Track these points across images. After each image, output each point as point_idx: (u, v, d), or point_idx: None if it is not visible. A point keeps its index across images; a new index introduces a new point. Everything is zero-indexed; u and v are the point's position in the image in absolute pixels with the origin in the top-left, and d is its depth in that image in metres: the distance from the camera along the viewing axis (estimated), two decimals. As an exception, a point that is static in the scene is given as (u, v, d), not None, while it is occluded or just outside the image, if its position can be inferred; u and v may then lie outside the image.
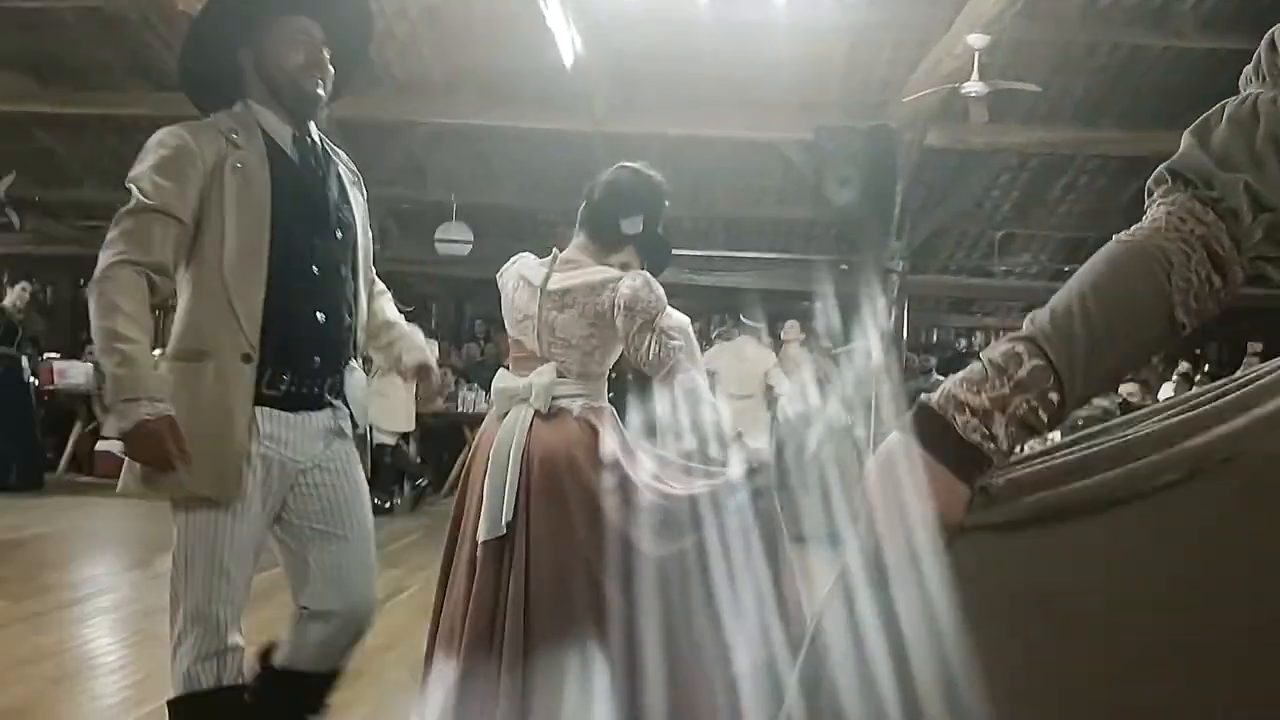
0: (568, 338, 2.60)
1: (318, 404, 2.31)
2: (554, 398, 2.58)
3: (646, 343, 2.53)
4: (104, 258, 2.14)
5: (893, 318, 9.81)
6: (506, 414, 2.61)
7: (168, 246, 2.15)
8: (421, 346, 2.61)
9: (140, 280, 2.12)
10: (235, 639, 2.26)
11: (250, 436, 2.19)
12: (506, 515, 2.47)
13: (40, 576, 5.43)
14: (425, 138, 10.19)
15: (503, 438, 2.56)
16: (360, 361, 2.48)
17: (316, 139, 2.37)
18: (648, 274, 2.64)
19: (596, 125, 9.12)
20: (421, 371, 2.57)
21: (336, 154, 2.44)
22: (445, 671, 2.45)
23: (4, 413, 8.51)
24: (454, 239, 11.54)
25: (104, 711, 3.49)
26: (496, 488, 2.50)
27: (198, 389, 2.16)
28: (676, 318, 3.17)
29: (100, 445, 9.84)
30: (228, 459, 2.16)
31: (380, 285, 2.64)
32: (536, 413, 2.57)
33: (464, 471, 2.71)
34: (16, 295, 9.13)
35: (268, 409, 2.23)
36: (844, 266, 10.21)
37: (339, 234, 2.34)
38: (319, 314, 2.28)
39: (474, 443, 2.75)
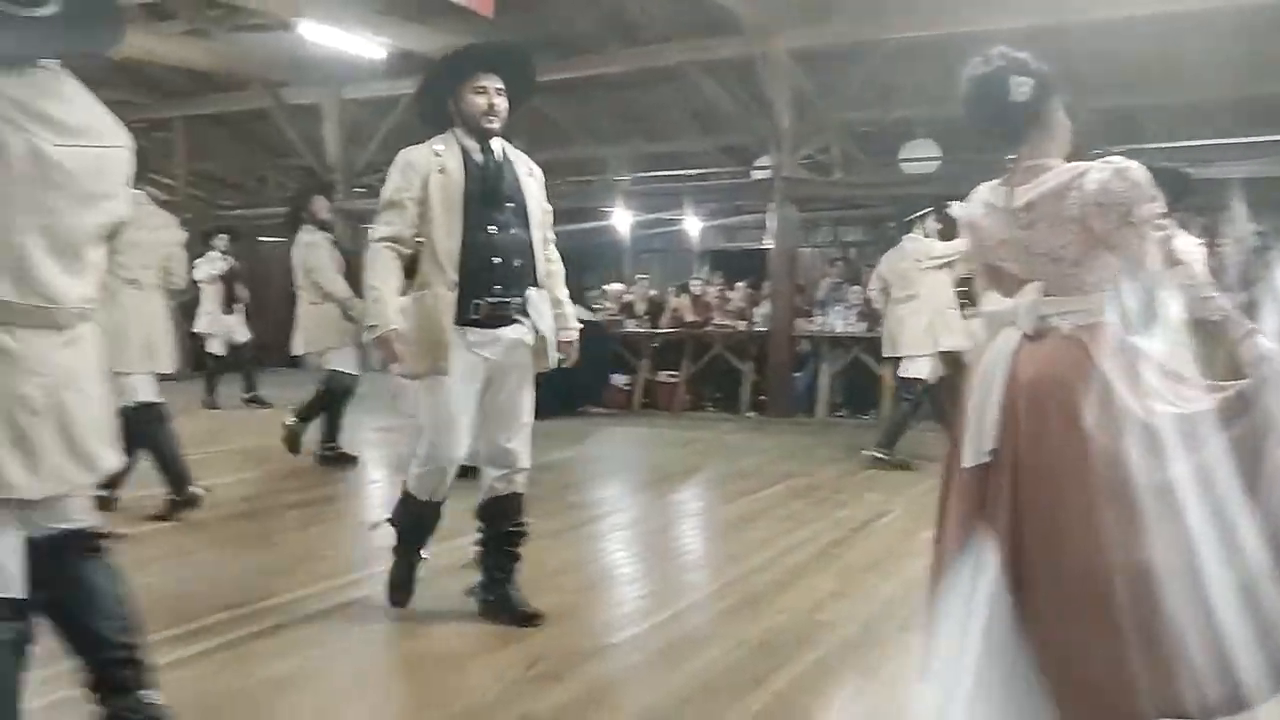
0: (1046, 252, 2.41)
1: (507, 321, 3.54)
2: (1041, 317, 2.43)
3: (1129, 240, 2.28)
4: (371, 235, 3.53)
5: None
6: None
7: (404, 223, 3.48)
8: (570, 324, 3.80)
9: (389, 250, 3.48)
10: (449, 469, 3.57)
11: (455, 336, 3.46)
12: (989, 442, 2.37)
13: (565, 496, 6.14)
14: (889, 56, 9.95)
15: (988, 362, 2.45)
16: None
17: (497, 149, 3.61)
18: (1120, 160, 2.32)
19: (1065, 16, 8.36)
20: (563, 346, 3.73)
21: (514, 156, 3.67)
22: (949, 594, 2.39)
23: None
24: (919, 157, 11.23)
25: (624, 618, 3.87)
26: (979, 414, 2.41)
27: (423, 307, 3.48)
28: None
29: (611, 380, 10.88)
30: (439, 348, 3.45)
31: (554, 254, 3.80)
32: (1024, 335, 2.44)
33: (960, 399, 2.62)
34: None
35: (473, 327, 3.49)
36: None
37: (510, 204, 3.58)
38: (495, 259, 3.50)
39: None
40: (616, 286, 12.57)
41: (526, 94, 3.76)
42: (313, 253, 6.93)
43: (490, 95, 3.53)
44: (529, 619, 3.61)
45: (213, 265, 10.19)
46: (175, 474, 5.23)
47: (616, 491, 6.75)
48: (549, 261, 3.74)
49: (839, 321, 10.33)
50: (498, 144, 3.61)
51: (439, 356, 3.45)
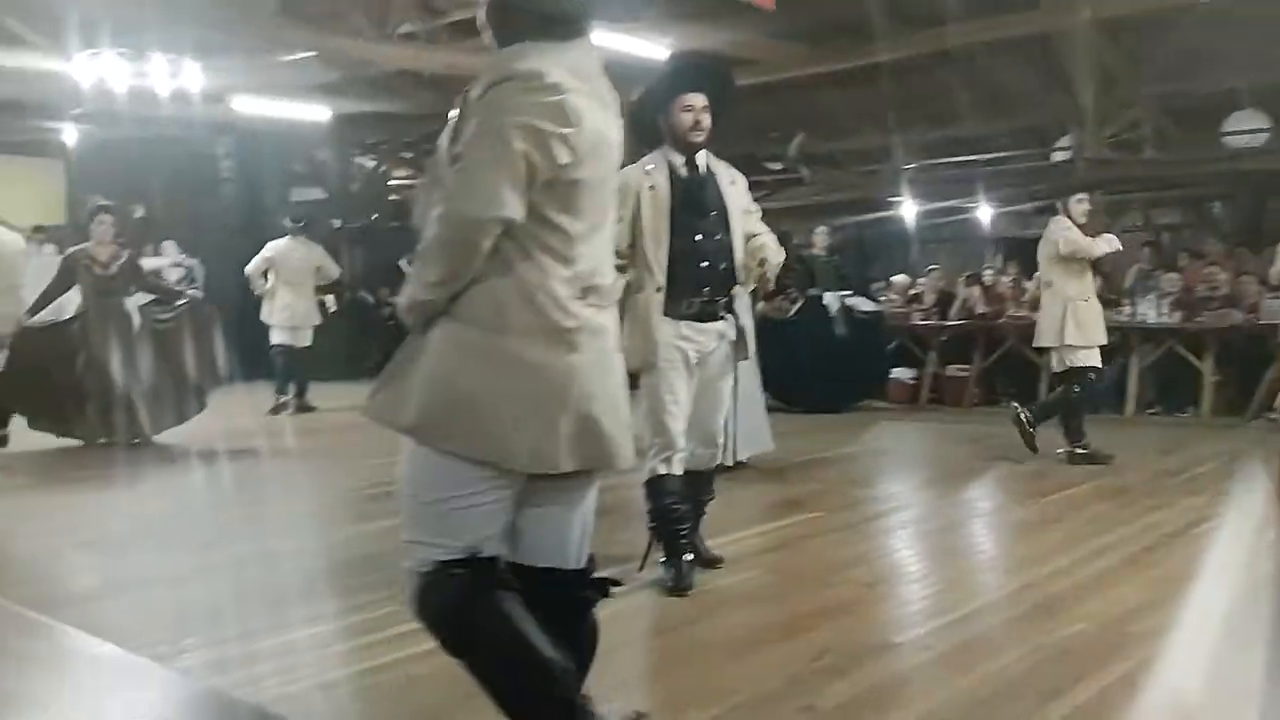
0: None
1: (714, 317, 3.96)
2: None
3: None
4: None
5: None
6: None
7: (621, 234, 3.72)
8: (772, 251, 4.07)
9: None
10: (679, 447, 3.94)
11: (667, 331, 3.86)
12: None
13: (850, 491, 6.05)
14: (1204, 20, 9.10)
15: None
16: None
17: (701, 162, 4.01)
18: None
19: None
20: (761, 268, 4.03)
21: (717, 167, 4.05)
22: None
23: (815, 345, 9.60)
24: (1245, 129, 10.19)
25: (910, 616, 3.77)
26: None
27: (637, 308, 3.85)
28: None
29: (892, 373, 10.63)
30: (650, 343, 3.85)
31: (762, 228, 4.14)
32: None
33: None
34: (818, 239, 10.11)
35: (685, 321, 3.88)
36: None
37: (713, 214, 3.97)
38: (702, 263, 3.91)
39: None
40: (901, 278, 12.25)
41: (729, 108, 4.16)
42: None
43: (696, 112, 3.92)
44: (713, 563, 4.21)
45: None
46: None
47: (903, 487, 6.58)
48: (754, 236, 4.10)
49: (1150, 311, 9.55)
50: (702, 157, 4.03)
51: (650, 351, 3.87)
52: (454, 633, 2.13)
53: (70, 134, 13.47)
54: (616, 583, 2.28)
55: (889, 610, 3.89)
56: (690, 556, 4.02)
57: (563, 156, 1.99)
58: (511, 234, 2.01)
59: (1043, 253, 6.94)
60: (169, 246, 12.09)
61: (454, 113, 2.11)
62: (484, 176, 1.98)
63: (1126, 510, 5.38)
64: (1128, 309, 9.80)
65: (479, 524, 2.07)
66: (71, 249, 7.97)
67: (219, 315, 8.38)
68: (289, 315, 9.59)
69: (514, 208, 1.98)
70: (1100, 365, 6.94)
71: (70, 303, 7.72)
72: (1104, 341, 6.88)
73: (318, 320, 9.85)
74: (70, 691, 0.73)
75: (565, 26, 2.11)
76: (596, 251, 2.13)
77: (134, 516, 5.54)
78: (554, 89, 1.99)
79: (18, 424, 7.61)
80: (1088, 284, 6.78)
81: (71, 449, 7.48)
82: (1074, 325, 6.70)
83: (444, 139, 2.10)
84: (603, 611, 2.29)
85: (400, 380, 2.10)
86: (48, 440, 7.59)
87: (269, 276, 9.63)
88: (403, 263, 11.88)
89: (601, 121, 2.09)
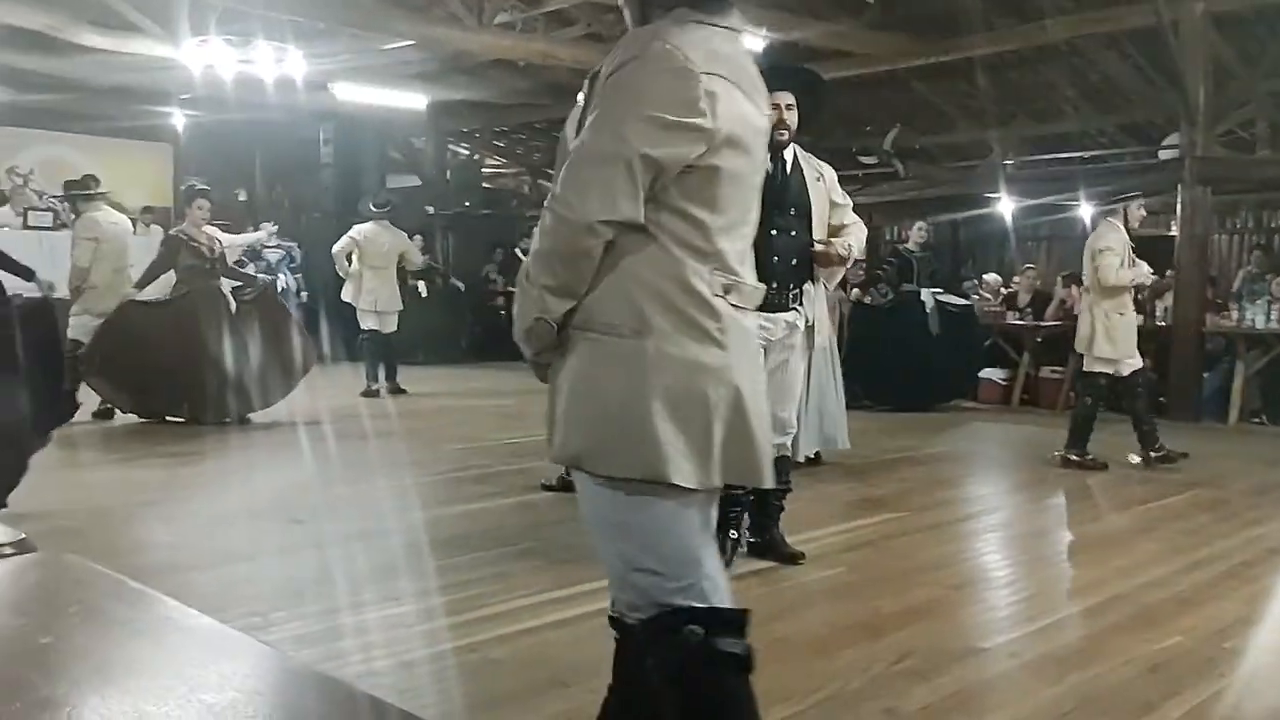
0: None
1: (785, 308, 4.03)
2: None
3: None
4: None
5: None
6: None
7: None
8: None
9: None
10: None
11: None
12: None
13: (936, 491, 5.95)
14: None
15: None
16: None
17: (787, 157, 4.12)
18: None
19: None
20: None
21: (804, 161, 4.17)
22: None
23: (908, 343, 9.48)
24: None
25: (997, 621, 3.69)
26: None
27: None
28: None
29: (981, 373, 10.42)
30: None
31: (853, 219, 4.34)
32: None
33: None
34: (915, 235, 9.95)
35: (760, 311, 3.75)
36: None
37: (792, 211, 4.07)
38: (774, 258, 3.91)
39: None
40: (994, 277, 11.98)
41: (818, 107, 4.25)
42: None
43: (781, 111, 3.99)
44: (793, 558, 4.25)
45: None
46: None
47: (992, 489, 6.45)
48: (842, 227, 4.28)
49: (1259, 316, 9.19)
50: (789, 152, 4.11)
51: None
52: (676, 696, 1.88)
53: (179, 119, 13.92)
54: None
55: (974, 614, 3.82)
56: (734, 534, 4.18)
57: (693, 148, 1.78)
58: (641, 229, 1.81)
59: (1086, 255, 6.82)
60: (266, 227, 12.41)
61: (581, 95, 1.91)
62: (593, 175, 1.77)
63: (1226, 523, 5.20)
64: (1234, 314, 9.46)
65: (680, 556, 1.84)
66: (172, 230, 8.22)
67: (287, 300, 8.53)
68: (373, 300, 9.73)
69: (626, 209, 1.77)
70: (1141, 367, 6.80)
71: (169, 283, 7.97)
72: (1133, 354, 6.72)
73: (400, 306, 9.98)
74: (166, 659, 0.76)
75: (707, 2, 1.88)
76: (738, 249, 1.91)
77: (227, 492, 5.71)
78: (685, 72, 1.76)
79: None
80: (1124, 298, 6.67)
81: (166, 425, 7.73)
82: (1104, 337, 6.61)
83: (569, 126, 1.91)
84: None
85: (553, 412, 1.90)
86: (144, 414, 7.85)
87: (353, 260, 9.80)
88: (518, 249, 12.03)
89: (745, 108, 1.85)
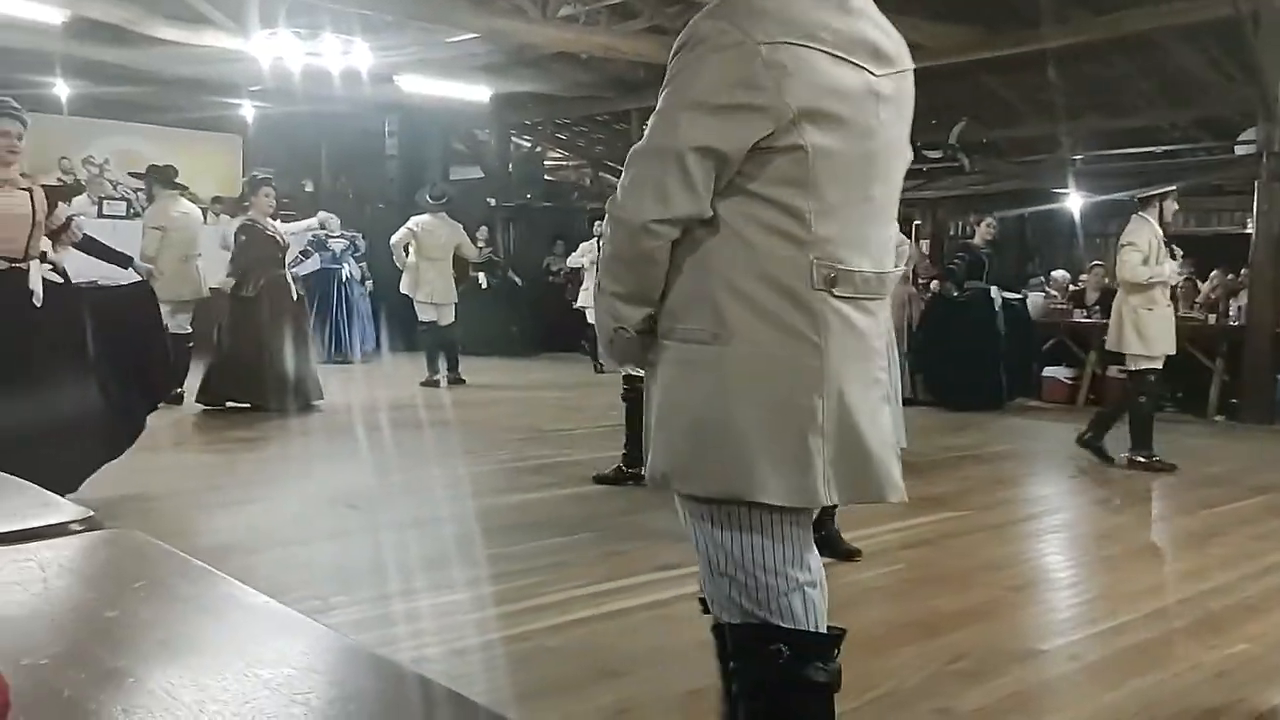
0: None
1: None
2: None
3: None
4: None
5: None
6: None
7: None
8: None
9: None
10: None
11: None
12: None
13: (996, 491, 5.86)
14: None
15: None
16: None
17: None
18: None
19: None
20: None
21: None
22: None
23: (977, 340, 9.36)
24: None
25: (1057, 624, 3.63)
26: None
27: None
28: None
29: (1046, 371, 10.25)
30: None
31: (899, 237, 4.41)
32: None
33: None
34: (983, 231, 9.77)
35: None
36: None
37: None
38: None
39: None
40: (1062, 274, 11.75)
41: None
42: None
43: None
44: (849, 555, 4.13)
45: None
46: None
47: (1055, 490, 6.34)
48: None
49: (1341, 317, 8.92)
50: None
51: None
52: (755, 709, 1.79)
53: (248, 110, 14.17)
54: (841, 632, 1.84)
55: (1034, 616, 3.76)
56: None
57: (755, 130, 1.60)
58: (716, 223, 1.65)
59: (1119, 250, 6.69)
60: (331, 219, 12.56)
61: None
62: (646, 172, 1.64)
63: (1300, 528, 5.06)
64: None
65: (772, 576, 1.71)
66: (243, 219, 8.39)
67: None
68: (430, 292, 9.79)
69: (684, 206, 1.62)
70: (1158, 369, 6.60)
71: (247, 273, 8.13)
72: (1170, 351, 6.55)
73: (455, 298, 10.04)
74: (227, 635, 0.78)
75: None
76: (848, 233, 1.67)
77: (288, 479, 5.81)
78: (738, 47, 1.58)
79: (190, 386, 8.08)
80: (1153, 293, 6.49)
81: (237, 411, 7.88)
82: (1134, 333, 6.46)
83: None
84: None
85: (652, 429, 1.77)
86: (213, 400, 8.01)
87: (409, 251, 9.89)
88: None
89: (835, 75, 1.64)
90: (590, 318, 11.74)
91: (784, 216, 1.64)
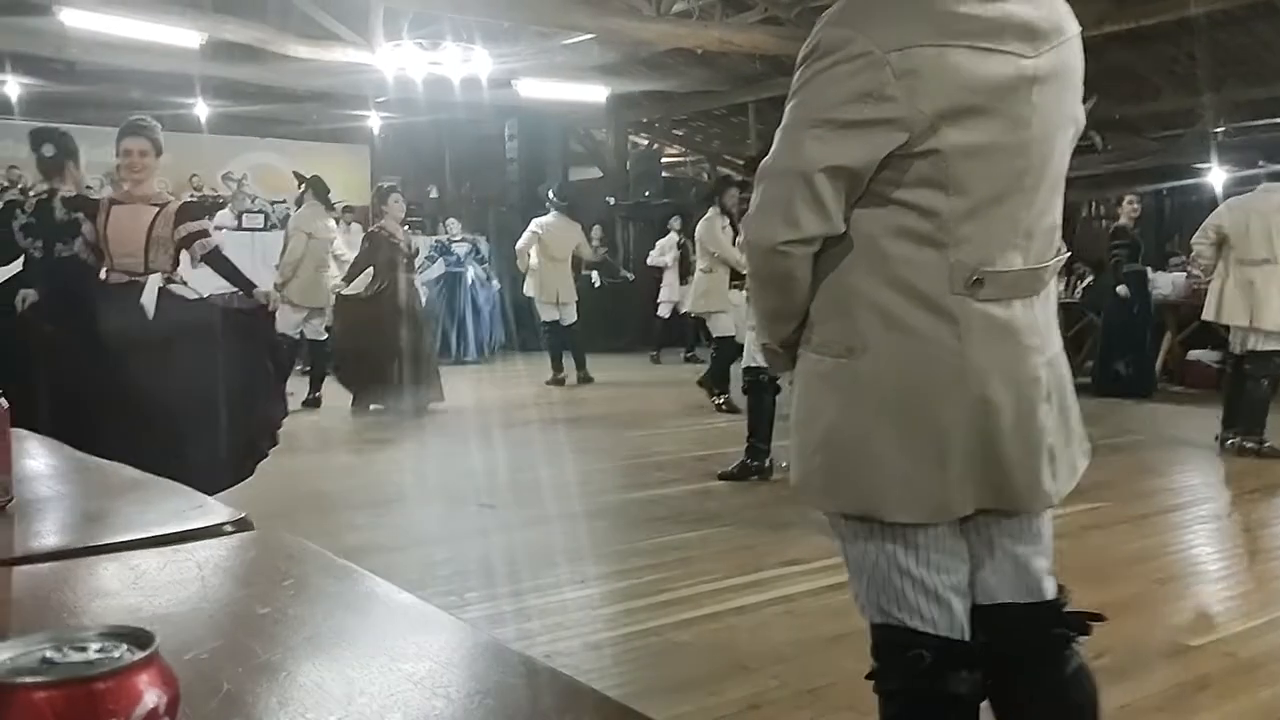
0: None
1: None
2: None
3: None
4: None
5: None
6: None
7: None
8: None
9: None
10: None
11: None
12: None
13: (1140, 480, 5.64)
14: None
15: None
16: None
17: None
18: None
19: None
20: None
21: None
22: None
23: (1131, 325, 9.05)
24: None
25: (1207, 618, 3.48)
26: None
27: None
28: None
29: (1191, 354, 9.80)
30: None
31: None
32: None
33: None
34: (1128, 210, 9.35)
35: None
36: None
37: None
38: None
39: None
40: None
41: None
42: (706, 227, 7.91)
43: None
44: None
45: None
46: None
47: (1203, 479, 6.05)
48: None
49: None
50: None
51: None
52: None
53: (374, 121, 14.61)
54: (1098, 617, 1.75)
55: (1182, 610, 3.61)
56: None
57: (887, 142, 1.53)
58: (848, 231, 1.60)
59: (1259, 225, 6.30)
60: (454, 224, 12.85)
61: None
62: (774, 193, 1.59)
63: None
64: None
65: (914, 588, 1.66)
66: (373, 227, 8.66)
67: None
68: (553, 293, 9.94)
69: (814, 226, 1.57)
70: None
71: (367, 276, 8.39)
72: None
73: (576, 296, 10.14)
74: (370, 631, 0.81)
75: None
76: (995, 230, 1.59)
77: (423, 478, 5.98)
78: (865, 58, 1.50)
79: (326, 388, 8.38)
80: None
81: (373, 413, 8.14)
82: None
83: None
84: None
85: (792, 440, 1.75)
86: (346, 405, 8.28)
87: (532, 254, 10.03)
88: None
89: (975, 67, 1.53)
90: (664, 312, 11.98)
91: (921, 220, 1.57)
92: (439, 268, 12.00)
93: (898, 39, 1.50)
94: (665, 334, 12.47)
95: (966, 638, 1.69)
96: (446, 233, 12.66)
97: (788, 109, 1.61)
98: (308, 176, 8.88)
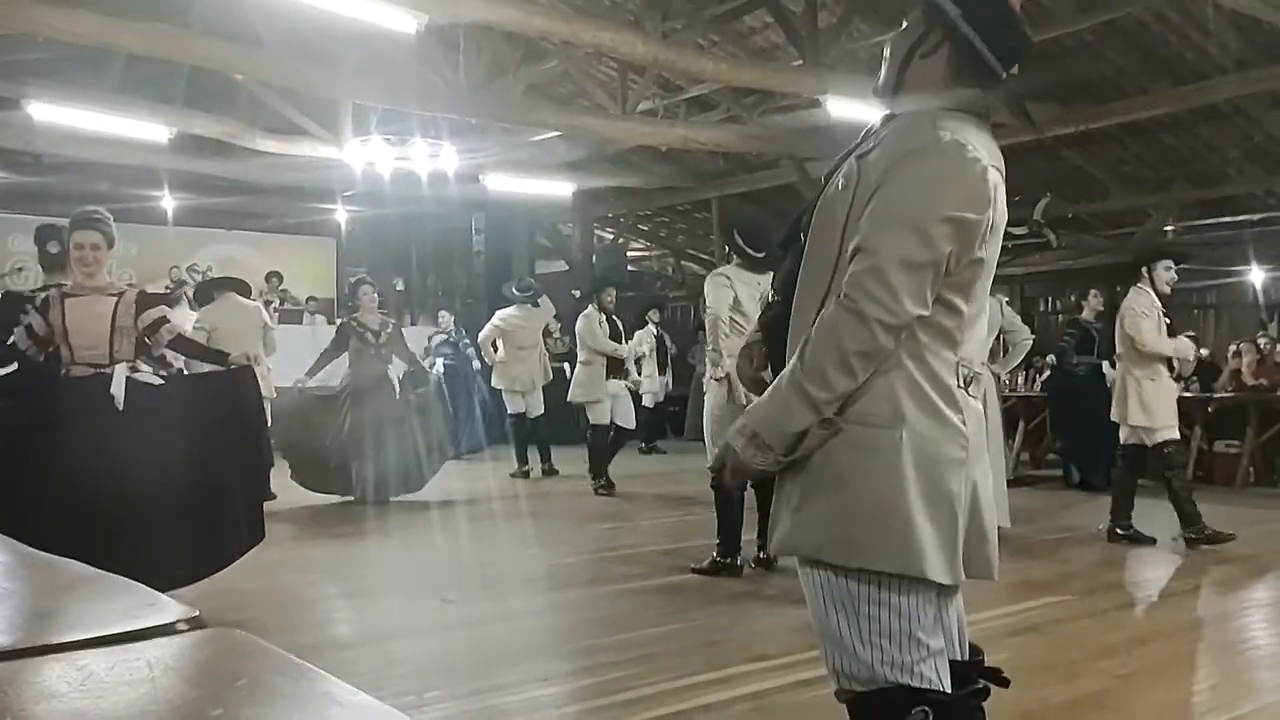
0: None
1: None
2: None
3: None
4: None
5: None
6: None
7: None
8: None
9: None
10: None
11: None
12: None
13: (1105, 574, 5.64)
14: None
15: None
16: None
17: None
18: None
19: None
20: None
21: None
22: None
23: (1091, 417, 9.15)
24: None
25: (1172, 714, 3.45)
26: None
27: None
28: None
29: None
30: None
31: None
32: None
33: None
34: (1092, 304, 9.54)
35: None
36: None
37: None
38: None
39: None
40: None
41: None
42: (585, 323, 8.91)
43: None
44: None
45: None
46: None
47: (1164, 572, 6.06)
48: None
49: None
50: None
51: None
52: None
53: (341, 214, 14.70)
54: (1003, 677, 2.07)
55: (1147, 707, 3.57)
56: None
57: (981, 245, 1.79)
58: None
59: (1119, 323, 6.57)
60: (445, 317, 12.76)
61: (842, 174, 1.87)
62: (901, 278, 1.72)
63: None
64: None
65: (913, 642, 1.80)
66: (344, 317, 8.62)
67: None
68: (529, 381, 9.91)
69: (927, 306, 1.76)
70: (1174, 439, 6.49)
71: (340, 369, 8.33)
72: (1171, 423, 6.42)
73: (544, 381, 10.06)
74: (326, 734, 0.79)
75: (985, 75, 1.86)
76: (979, 335, 1.88)
77: (384, 572, 5.87)
78: (975, 166, 1.75)
79: (280, 482, 8.25)
80: (1156, 364, 6.40)
81: (328, 505, 8.02)
82: (1138, 405, 6.36)
83: (832, 194, 1.86)
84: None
85: (798, 506, 1.84)
86: (308, 496, 8.15)
87: (498, 346, 10.03)
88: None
89: (1002, 191, 1.83)
90: (648, 402, 12.11)
91: (950, 318, 1.80)
92: (441, 364, 11.71)
93: (987, 156, 1.78)
94: (653, 424, 12.82)
95: (949, 688, 1.86)
96: (438, 326, 12.57)
97: (897, 197, 1.76)
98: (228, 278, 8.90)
